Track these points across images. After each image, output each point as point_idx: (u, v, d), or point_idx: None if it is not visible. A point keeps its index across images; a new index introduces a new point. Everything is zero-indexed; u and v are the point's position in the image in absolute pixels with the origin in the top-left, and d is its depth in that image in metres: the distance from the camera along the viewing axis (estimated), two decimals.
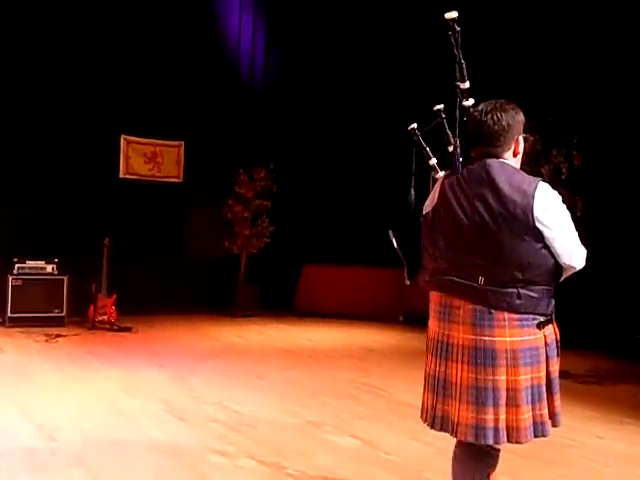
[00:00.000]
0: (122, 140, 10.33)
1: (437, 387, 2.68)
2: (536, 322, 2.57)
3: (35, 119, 9.43)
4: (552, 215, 2.53)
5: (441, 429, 2.68)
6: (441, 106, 3.22)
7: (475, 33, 9.64)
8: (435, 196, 2.76)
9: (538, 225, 2.50)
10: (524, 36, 8.74)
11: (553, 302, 2.62)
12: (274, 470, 3.79)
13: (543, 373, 2.60)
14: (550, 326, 2.63)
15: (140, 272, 9.75)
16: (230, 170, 10.51)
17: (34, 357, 6.78)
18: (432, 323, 2.75)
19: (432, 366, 2.72)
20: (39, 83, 9.41)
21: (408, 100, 10.83)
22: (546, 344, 2.61)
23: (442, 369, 2.66)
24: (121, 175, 10.36)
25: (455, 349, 2.61)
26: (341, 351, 7.76)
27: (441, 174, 3.03)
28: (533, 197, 2.51)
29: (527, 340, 2.57)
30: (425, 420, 2.77)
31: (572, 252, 2.58)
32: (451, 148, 2.89)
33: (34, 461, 3.80)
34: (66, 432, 4.33)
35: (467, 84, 2.82)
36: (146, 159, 10.55)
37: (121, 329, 8.49)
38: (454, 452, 2.80)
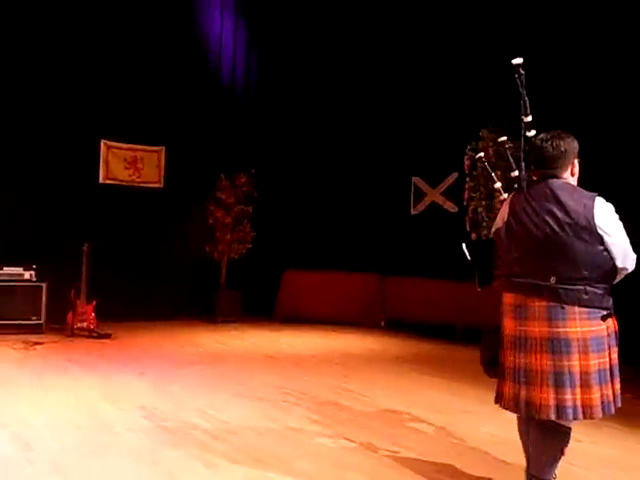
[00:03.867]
0: (102, 145, 10.26)
1: (519, 377, 3.11)
2: (600, 315, 3.05)
3: (14, 123, 9.35)
4: (609, 223, 3.03)
5: (526, 413, 3.12)
6: (505, 138, 4.06)
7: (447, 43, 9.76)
8: (505, 213, 3.27)
9: (599, 231, 2.99)
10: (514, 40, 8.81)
11: (611, 299, 3.09)
12: (255, 476, 3.77)
13: (607, 359, 3.06)
14: (610, 319, 3.09)
15: (120, 278, 9.68)
16: (211, 175, 10.48)
17: (12, 365, 6.68)
18: (507, 322, 3.20)
19: (511, 359, 3.15)
20: (18, 87, 9.34)
21: (391, 103, 10.93)
22: (608, 334, 3.07)
23: (522, 360, 3.10)
24: (101, 180, 10.29)
25: (533, 342, 3.07)
26: (322, 357, 7.75)
27: (505, 196, 3.63)
28: (593, 208, 3.01)
29: (594, 330, 3.04)
30: (507, 407, 3.19)
31: (626, 255, 3.06)
32: (515, 173, 3.53)
33: (10, 470, 3.75)
34: (43, 440, 4.27)
35: (530, 118, 3.43)
36: (126, 164, 10.48)
37: (101, 336, 8.41)
38: (526, 432, 3.26)
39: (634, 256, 3.09)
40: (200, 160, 10.66)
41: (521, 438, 3.36)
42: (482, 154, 5.03)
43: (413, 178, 10.95)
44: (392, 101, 10.93)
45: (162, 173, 10.71)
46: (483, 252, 3.44)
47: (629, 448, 4.43)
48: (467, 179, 7.97)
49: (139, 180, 10.58)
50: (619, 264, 3.04)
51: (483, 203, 7.68)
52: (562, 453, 3.22)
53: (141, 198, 10.40)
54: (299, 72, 11.38)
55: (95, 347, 7.87)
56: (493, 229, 3.37)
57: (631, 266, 3.09)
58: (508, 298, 3.22)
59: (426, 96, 10.32)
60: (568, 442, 3.23)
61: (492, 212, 7.53)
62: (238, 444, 4.33)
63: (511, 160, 3.73)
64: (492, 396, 5.37)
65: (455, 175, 9.87)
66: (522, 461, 4.05)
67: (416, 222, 10.88)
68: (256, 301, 10.64)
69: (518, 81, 3.44)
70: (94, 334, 8.45)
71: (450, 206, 10.21)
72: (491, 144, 7.56)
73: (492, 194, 7.53)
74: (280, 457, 4.09)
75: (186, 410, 5.11)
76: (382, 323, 10.36)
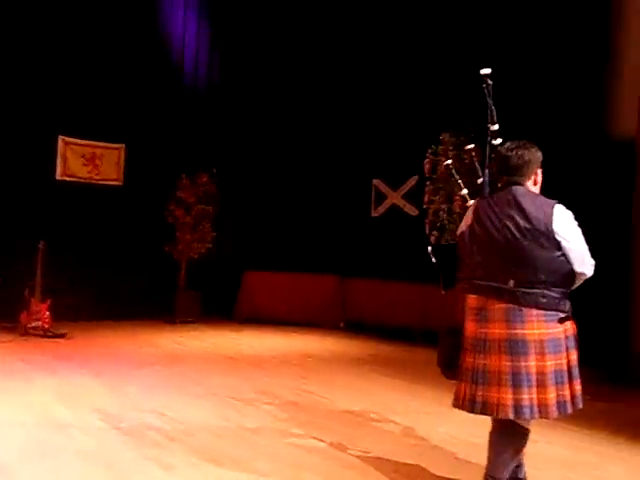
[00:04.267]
0: (60, 141, 10.08)
1: (477, 378, 3.19)
2: (557, 318, 3.14)
3: None
4: (567, 229, 3.13)
5: (482, 412, 3.19)
6: (472, 145, 4.17)
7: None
8: (469, 218, 3.37)
9: (557, 237, 3.09)
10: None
11: (569, 303, 3.18)
12: (211, 478, 3.73)
13: (564, 361, 3.14)
14: (569, 322, 3.19)
15: (76, 277, 9.52)
16: (172, 174, 10.38)
17: None
18: (469, 325, 3.28)
19: (470, 360, 3.23)
20: None
21: (353, 105, 10.97)
22: (566, 337, 3.16)
23: (482, 362, 3.18)
24: (58, 177, 10.10)
25: (492, 343, 3.16)
26: (282, 358, 7.72)
27: (471, 202, 3.67)
28: (552, 215, 3.12)
29: (551, 332, 3.13)
30: (463, 407, 3.25)
31: (583, 261, 3.15)
32: (480, 180, 3.64)
33: None
34: None
35: (496, 126, 3.52)
36: (85, 161, 10.31)
37: (55, 335, 8.25)
38: (491, 434, 3.32)
39: (592, 262, 3.18)
40: (161, 158, 10.55)
41: (488, 445, 3.41)
42: (450, 161, 5.02)
43: (374, 180, 11.01)
44: (354, 103, 10.98)
45: (122, 171, 10.57)
46: (447, 256, 3.53)
47: (583, 449, 4.51)
48: (427, 182, 8.04)
49: (98, 177, 10.42)
50: (577, 269, 3.14)
51: (443, 206, 7.75)
52: (518, 454, 3.30)
53: (99, 196, 10.24)
54: (262, 72, 11.35)
55: (49, 347, 7.71)
56: (457, 233, 3.47)
57: (589, 271, 3.18)
58: (470, 300, 3.30)
59: (388, 99, 10.39)
60: (525, 443, 3.30)
61: (452, 215, 7.62)
62: (195, 445, 4.28)
63: (477, 167, 3.82)
64: (450, 397, 5.41)
65: (415, 178, 9.95)
66: (480, 461, 4.11)
67: (376, 224, 10.93)
68: (216, 301, 10.56)
69: (485, 91, 3.51)
70: (48, 333, 8.28)
71: (410, 209, 10.28)
72: (451, 148, 7.65)
73: (452, 197, 7.61)
74: (237, 458, 4.05)
75: (142, 411, 5.03)
76: (341, 324, 10.38)
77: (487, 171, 3.44)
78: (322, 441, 4.47)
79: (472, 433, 4.67)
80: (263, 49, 11.25)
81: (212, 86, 11.52)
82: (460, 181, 4.41)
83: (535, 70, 8.06)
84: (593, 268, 3.19)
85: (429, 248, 3.77)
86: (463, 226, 3.43)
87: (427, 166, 8.04)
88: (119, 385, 5.89)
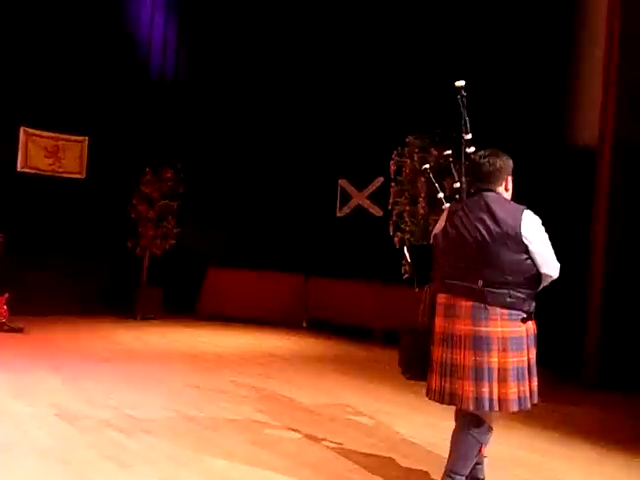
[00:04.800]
0: (22, 132, 9.90)
1: (445, 371, 3.35)
2: (521, 317, 3.30)
3: None
4: (534, 233, 3.29)
5: (450, 403, 3.36)
6: (449, 152, 4.27)
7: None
8: (444, 220, 3.53)
9: (524, 240, 3.25)
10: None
11: (534, 303, 3.35)
12: (169, 476, 3.71)
13: (525, 358, 3.31)
14: (531, 322, 3.35)
15: (36, 270, 9.35)
16: (136, 169, 10.27)
17: None
18: (439, 321, 3.43)
19: (440, 355, 3.39)
20: None
21: (320, 105, 10.99)
22: (527, 336, 3.33)
23: (449, 356, 3.35)
24: (19, 169, 9.93)
25: (458, 338, 3.32)
26: (243, 356, 7.71)
27: (446, 205, 3.86)
28: (521, 219, 3.28)
29: (515, 331, 3.29)
30: (434, 398, 3.42)
31: (548, 263, 3.32)
32: (457, 184, 3.84)
33: None
34: None
35: (469, 136, 3.70)
36: (47, 153, 10.15)
37: (12, 329, 8.10)
38: (455, 430, 3.45)
39: (557, 264, 3.35)
40: (125, 152, 10.43)
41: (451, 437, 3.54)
42: (428, 166, 5.21)
43: (340, 180, 11.05)
44: (322, 103, 11.00)
45: (84, 164, 10.43)
46: (422, 255, 3.69)
47: (538, 449, 4.59)
48: (392, 184, 8.09)
49: (60, 170, 10.27)
50: (543, 270, 3.31)
51: (407, 208, 7.80)
52: (480, 451, 3.42)
53: (61, 189, 10.09)
54: (229, 69, 11.30)
55: (6, 341, 7.57)
56: (432, 234, 3.63)
57: (555, 273, 3.35)
58: (441, 298, 3.46)
59: (356, 100, 10.44)
60: (487, 441, 3.44)
61: (415, 217, 7.68)
62: (153, 443, 4.25)
63: (454, 172, 3.99)
64: (408, 397, 5.48)
65: (381, 179, 10.01)
66: (437, 461, 4.17)
67: (341, 224, 10.97)
68: (178, 298, 10.48)
69: (460, 102, 3.70)
70: (5, 327, 8.13)
71: (375, 210, 10.34)
72: (417, 150, 7.71)
73: (416, 200, 7.67)
74: (196, 455, 4.04)
75: (100, 408, 4.98)
76: (304, 323, 10.39)
77: (464, 178, 3.60)
78: (281, 439, 4.49)
79: (430, 434, 4.74)
80: (231, 45, 11.20)
81: (179, 81, 11.44)
82: (437, 185, 4.60)
83: (498, 79, 8.18)
84: (558, 270, 3.35)
85: (405, 248, 4.02)
86: (438, 228, 3.58)
87: (393, 167, 8.09)
88: (77, 381, 5.81)
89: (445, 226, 3.50)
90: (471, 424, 3.37)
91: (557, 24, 7.99)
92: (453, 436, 3.45)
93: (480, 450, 3.40)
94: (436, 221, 7.75)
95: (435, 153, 7.40)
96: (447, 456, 3.44)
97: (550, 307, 3.75)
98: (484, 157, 3.47)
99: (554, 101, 7.95)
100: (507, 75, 8.20)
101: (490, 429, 3.41)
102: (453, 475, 3.37)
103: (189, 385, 5.96)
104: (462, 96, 3.72)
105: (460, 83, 3.73)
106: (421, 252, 3.81)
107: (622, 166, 6.96)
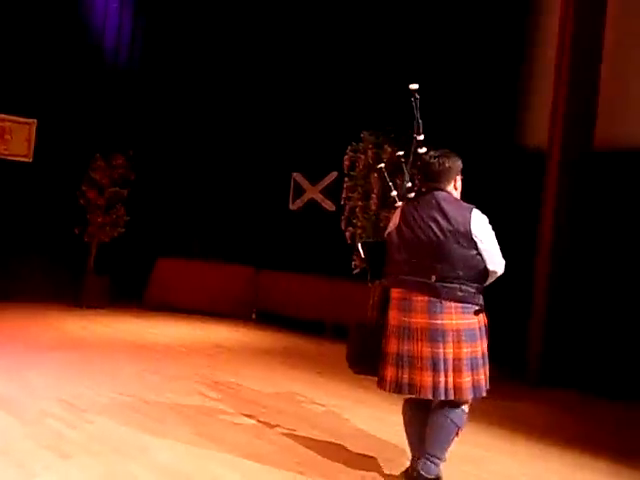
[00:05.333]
0: None
1: (402, 362, 3.49)
2: (473, 310, 3.49)
3: None
4: (483, 231, 3.49)
5: (409, 392, 3.50)
6: (402, 152, 4.46)
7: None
8: (397, 218, 3.67)
9: (474, 238, 3.44)
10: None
11: (482, 297, 3.55)
12: (112, 467, 3.65)
13: (479, 349, 3.50)
14: (482, 315, 3.54)
15: None
16: (86, 154, 10.04)
17: None
18: (394, 314, 3.58)
19: (396, 346, 3.53)
20: None
21: (275, 98, 10.94)
22: (479, 327, 3.52)
23: (406, 347, 3.49)
24: None
25: (415, 331, 3.48)
26: (191, 347, 7.63)
27: (399, 203, 4.03)
28: (470, 218, 3.47)
29: (467, 323, 3.48)
30: (389, 389, 3.54)
31: (494, 260, 3.52)
32: (409, 184, 4.02)
33: None
34: None
35: (422, 137, 3.85)
36: None
37: None
38: (410, 422, 3.66)
39: (503, 261, 3.56)
40: (75, 137, 10.19)
41: (405, 425, 3.71)
42: (383, 165, 5.47)
43: (293, 174, 11.02)
44: (277, 96, 10.95)
45: (32, 147, 10.14)
46: (375, 251, 3.84)
47: (482, 444, 4.67)
48: (346, 179, 8.11)
49: (6, 153, 9.97)
50: (489, 267, 3.50)
51: (360, 203, 7.83)
52: (457, 434, 3.58)
53: (7, 172, 9.79)
54: (185, 57, 11.14)
55: None
56: (386, 232, 3.76)
57: (500, 269, 3.55)
58: (395, 293, 3.61)
59: (311, 94, 10.43)
60: (464, 423, 3.60)
61: (367, 213, 7.71)
62: (96, 434, 4.18)
63: (405, 172, 4.13)
64: (357, 391, 5.51)
65: (335, 174, 10.03)
66: (383, 454, 4.21)
67: (294, 218, 10.96)
68: (126, 287, 10.31)
69: (413, 104, 3.84)
70: None
71: (328, 204, 10.36)
72: (371, 146, 7.74)
73: (369, 195, 7.71)
74: (139, 447, 3.99)
75: (42, 398, 4.86)
76: (253, 316, 10.36)
77: (408, 176, 3.75)
78: (227, 431, 4.46)
79: (377, 427, 4.78)
80: (187, 32, 11.05)
81: (133, 66, 11.21)
82: (391, 183, 4.76)
83: (450, 78, 8.27)
84: (503, 267, 3.56)
85: (359, 244, 4.07)
86: (391, 226, 3.72)
87: (347, 162, 8.11)
88: (18, 370, 5.66)
89: (399, 224, 3.63)
90: (448, 409, 3.53)
91: (510, 24, 8.11)
92: (430, 423, 3.56)
93: (457, 433, 3.57)
94: (387, 217, 7.83)
95: (389, 150, 7.44)
96: (394, 447, 3.53)
97: (497, 305, 3.83)
98: (434, 157, 3.63)
99: (506, 101, 8.08)
100: (459, 74, 8.30)
101: (465, 412, 3.58)
102: (432, 458, 3.52)
103: (135, 375, 5.88)
104: (415, 99, 3.86)
105: (414, 86, 3.86)
106: (374, 248, 3.91)
107: (570, 167, 7.10)
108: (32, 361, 6.06)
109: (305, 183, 10.92)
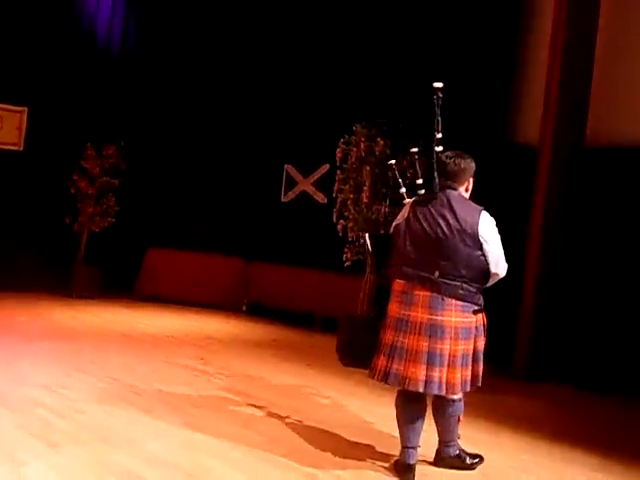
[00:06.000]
0: None
1: (394, 353, 3.59)
2: (472, 309, 3.61)
3: None
4: (490, 233, 3.60)
5: (394, 383, 3.60)
6: (416, 149, 4.66)
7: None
8: (406, 212, 3.77)
9: (480, 239, 3.55)
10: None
11: (482, 297, 3.67)
12: (101, 457, 3.66)
13: (471, 346, 3.63)
14: (481, 314, 3.67)
15: None
16: (77, 143, 9.98)
17: None
18: (393, 306, 3.68)
19: (391, 338, 3.62)
20: None
21: (268, 89, 10.91)
22: (476, 327, 3.64)
23: (401, 339, 3.58)
24: None
25: (414, 325, 3.57)
26: (181, 338, 7.63)
27: (408, 200, 4.10)
28: (479, 219, 3.58)
29: (466, 321, 3.59)
30: (377, 378, 3.64)
31: (498, 263, 3.63)
32: (420, 181, 4.14)
33: None
34: None
35: (440, 135, 3.86)
36: None
37: None
38: (403, 412, 3.74)
39: (505, 265, 3.67)
40: (66, 126, 10.13)
41: (397, 417, 3.80)
42: (394, 161, 5.51)
43: (285, 166, 11.00)
44: (269, 87, 10.92)
45: (23, 135, 10.08)
46: (383, 244, 3.90)
47: (468, 437, 4.68)
48: (338, 171, 8.12)
49: None
50: (492, 269, 3.61)
51: (351, 196, 7.84)
52: (459, 420, 3.86)
53: None
54: (178, 46, 11.09)
55: None
56: (394, 224, 3.84)
57: (502, 273, 3.67)
58: (397, 285, 3.69)
59: (303, 86, 10.40)
60: (462, 410, 3.87)
61: (359, 205, 7.72)
62: (85, 423, 4.18)
63: (417, 170, 4.23)
64: (345, 384, 5.54)
65: (327, 166, 10.02)
66: (372, 443, 4.24)
67: (286, 209, 10.95)
68: (116, 278, 10.28)
69: (435, 102, 3.86)
70: None
71: (320, 197, 10.36)
72: (363, 139, 7.74)
73: (360, 188, 7.72)
74: (128, 438, 3.99)
75: (31, 387, 4.86)
76: (243, 307, 10.36)
77: (436, 174, 3.74)
78: (215, 422, 4.47)
79: (367, 419, 4.80)
80: (181, 21, 10.99)
81: (125, 56, 11.14)
82: (400, 180, 4.79)
83: (444, 79, 8.26)
84: (505, 271, 3.68)
85: (366, 235, 4.33)
86: (400, 219, 3.80)
87: (339, 155, 8.11)
88: (8, 359, 5.65)
89: (408, 217, 3.73)
90: (446, 402, 3.76)
91: (504, 26, 8.11)
92: (434, 415, 3.86)
93: (459, 419, 3.86)
94: (379, 210, 7.83)
95: (382, 142, 7.45)
96: (384, 439, 3.78)
97: (486, 299, 3.85)
98: (450, 157, 3.74)
99: (498, 102, 8.08)
100: (452, 75, 8.28)
101: (461, 400, 3.81)
102: (448, 443, 3.91)
103: (124, 366, 5.87)
104: (438, 97, 3.87)
105: (438, 85, 3.88)
106: (381, 241, 4.04)
107: (561, 167, 7.13)
108: (22, 350, 6.05)
109: (297, 175, 10.90)
